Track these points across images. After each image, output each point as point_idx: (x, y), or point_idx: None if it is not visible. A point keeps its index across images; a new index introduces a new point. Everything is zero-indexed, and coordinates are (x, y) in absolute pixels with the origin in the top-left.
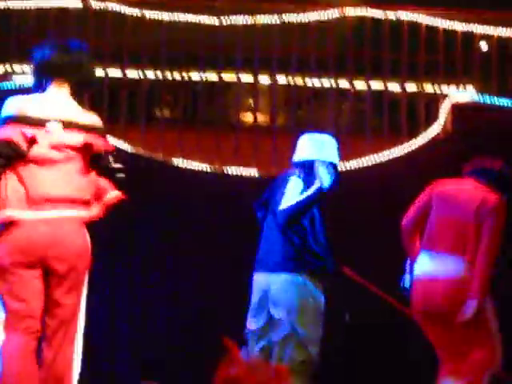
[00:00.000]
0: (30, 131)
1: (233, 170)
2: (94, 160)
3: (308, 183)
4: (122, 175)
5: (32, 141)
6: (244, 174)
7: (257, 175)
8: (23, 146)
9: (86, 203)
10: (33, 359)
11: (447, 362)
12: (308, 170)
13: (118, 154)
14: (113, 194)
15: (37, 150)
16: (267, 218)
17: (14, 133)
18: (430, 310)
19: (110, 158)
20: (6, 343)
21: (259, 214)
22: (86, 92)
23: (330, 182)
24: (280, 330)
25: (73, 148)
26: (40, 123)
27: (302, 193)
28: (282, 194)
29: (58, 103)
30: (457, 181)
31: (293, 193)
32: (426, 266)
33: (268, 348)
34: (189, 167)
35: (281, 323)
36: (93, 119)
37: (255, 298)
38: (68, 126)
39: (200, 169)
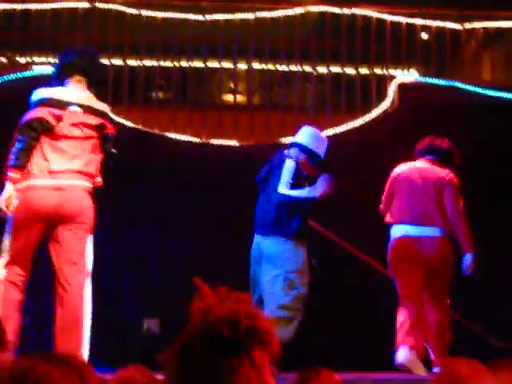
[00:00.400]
0: (57, 111)
1: (217, 142)
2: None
3: (297, 164)
4: (111, 162)
5: (59, 119)
6: (226, 145)
7: (237, 145)
8: (52, 122)
9: (92, 177)
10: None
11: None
12: (301, 151)
13: (118, 139)
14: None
15: (62, 127)
16: (265, 190)
17: (43, 112)
18: (417, 259)
19: (112, 143)
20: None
21: (259, 186)
22: (99, 85)
23: (322, 192)
24: (269, 272)
25: (90, 127)
26: (64, 106)
27: (294, 172)
28: (279, 174)
29: (78, 93)
30: (411, 164)
31: (288, 176)
32: (405, 230)
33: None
34: (180, 140)
35: (270, 269)
36: (104, 107)
37: (253, 253)
38: (86, 110)
39: (190, 141)
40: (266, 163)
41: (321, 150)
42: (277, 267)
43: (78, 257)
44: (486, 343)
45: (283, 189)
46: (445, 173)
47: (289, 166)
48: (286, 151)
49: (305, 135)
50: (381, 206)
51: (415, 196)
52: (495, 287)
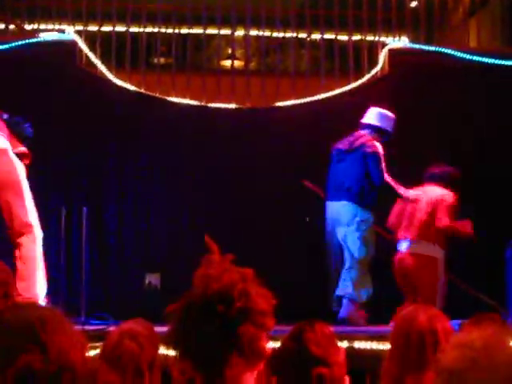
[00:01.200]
0: None
1: (215, 105)
2: None
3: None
4: None
5: None
6: (224, 107)
7: (234, 107)
8: None
9: None
10: None
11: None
12: (375, 132)
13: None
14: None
15: None
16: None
17: None
18: None
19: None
20: None
21: (337, 156)
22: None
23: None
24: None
25: None
26: None
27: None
28: (373, 159)
29: None
30: (421, 188)
31: (382, 162)
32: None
33: None
34: (181, 103)
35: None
36: None
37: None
38: None
39: (189, 104)
40: (344, 139)
41: (390, 126)
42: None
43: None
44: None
45: (387, 177)
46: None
47: (380, 151)
48: (363, 132)
49: (374, 116)
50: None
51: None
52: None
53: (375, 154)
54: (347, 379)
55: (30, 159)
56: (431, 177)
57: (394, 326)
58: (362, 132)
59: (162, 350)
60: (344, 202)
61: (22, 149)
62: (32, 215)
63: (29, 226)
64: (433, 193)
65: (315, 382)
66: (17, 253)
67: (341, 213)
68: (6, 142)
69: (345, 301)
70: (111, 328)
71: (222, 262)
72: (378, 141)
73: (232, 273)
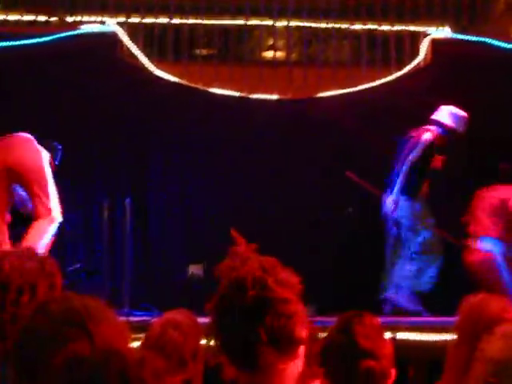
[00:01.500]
0: None
1: (257, 96)
2: None
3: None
4: None
5: None
6: (265, 98)
7: (276, 98)
8: None
9: None
10: None
11: None
12: (444, 130)
13: None
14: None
15: None
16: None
17: None
18: None
19: None
20: None
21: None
22: None
23: None
24: None
25: None
26: None
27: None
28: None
29: None
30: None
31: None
32: None
33: None
34: (223, 94)
35: None
36: None
37: None
38: None
39: (231, 95)
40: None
41: (461, 126)
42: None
43: None
44: None
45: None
46: None
47: (424, 139)
48: (431, 128)
49: (446, 114)
50: None
51: None
52: None
53: (416, 141)
54: (393, 372)
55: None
56: None
57: (461, 314)
58: (430, 127)
59: (205, 341)
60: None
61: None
62: (53, 201)
63: (48, 210)
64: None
65: (364, 375)
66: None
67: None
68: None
69: (400, 290)
70: (154, 319)
71: (245, 253)
72: (443, 139)
73: (251, 262)
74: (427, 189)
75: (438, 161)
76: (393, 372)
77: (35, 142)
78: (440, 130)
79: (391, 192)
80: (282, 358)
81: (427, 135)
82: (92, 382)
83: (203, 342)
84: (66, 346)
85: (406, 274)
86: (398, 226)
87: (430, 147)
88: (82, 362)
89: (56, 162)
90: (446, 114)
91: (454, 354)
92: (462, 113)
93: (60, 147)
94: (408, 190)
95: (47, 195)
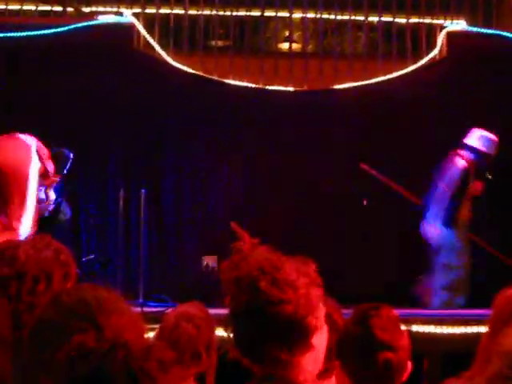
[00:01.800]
0: None
1: (273, 87)
2: None
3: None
4: None
5: None
6: (282, 90)
7: (292, 90)
8: None
9: None
10: None
11: None
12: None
13: None
14: None
15: None
16: None
17: None
18: None
19: None
20: None
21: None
22: None
23: None
24: None
25: None
26: None
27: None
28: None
29: None
30: None
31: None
32: None
33: None
34: (239, 86)
35: None
36: None
37: None
38: None
39: (247, 86)
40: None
41: (493, 150)
42: None
43: None
44: None
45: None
46: None
47: (459, 167)
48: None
49: (478, 139)
50: None
51: None
52: None
53: (450, 169)
54: (410, 364)
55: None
56: None
57: (495, 307)
58: (463, 153)
59: (219, 333)
60: None
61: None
62: (27, 213)
63: (18, 222)
64: None
65: (382, 367)
66: None
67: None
68: (34, 142)
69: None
70: (168, 310)
71: (247, 249)
72: (476, 163)
73: (251, 261)
74: (468, 214)
75: (476, 186)
76: (409, 364)
77: (31, 148)
78: (473, 155)
79: (428, 219)
80: (290, 352)
81: (461, 162)
82: (95, 374)
83: (217, 333)
84: (73, 337)
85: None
86: (437, 254)
87: (465, 174)
88: (86, 354)
89: (64, 171)
90: (478, 139)
91: (485, 347)
92: (493, 136)
93: (71, 155)
94: (446, 219)
95: (22, 206)
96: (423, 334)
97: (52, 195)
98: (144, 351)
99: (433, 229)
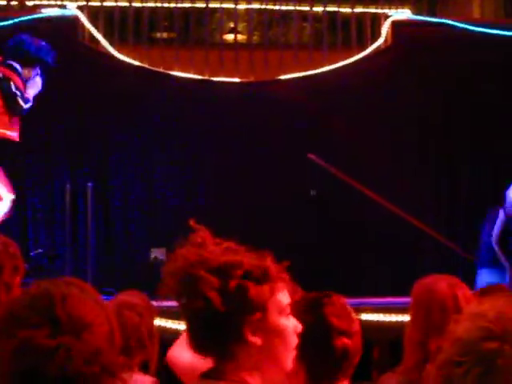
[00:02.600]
0: None
1: (218, 79)
2: None
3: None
4: None
5: None
6: (227, 81)
7: (237, 81)
8: None
9: None
10: None
11: None
12: None
13: None
14: None
15: None
16: None
17: None
18: None
19: None
20: None
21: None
22: None
23: None
24: None
25: None
26: None
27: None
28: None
29: None
30: None
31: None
32: None
33: None
34: (184, 77)
35: None
36: None
37: None
38: None
39: (193, 78)
40: None
41: None
42: None
43: None
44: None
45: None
46: None
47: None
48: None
49: None
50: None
51: None
52: None
53: (498, 215)
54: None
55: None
56: None
57: (414, 293)
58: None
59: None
60: None
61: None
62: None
63: None
64: None
65: (339, 354)
66: None
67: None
68: None
69: None
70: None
71: (201, 240)
72: None
73: (186, 252)
74: None
75: None
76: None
77: None
78: None
79: (481, 264)
80: (223, 345)
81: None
82: (33, 373)
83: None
84: (21, 332)
85: None
86: None
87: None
88: (28, 351)
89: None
90: None
91: (409, 335)
92: None
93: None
94: (496, 263)
95: None
96: (372, 322)
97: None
98: (91, 355)
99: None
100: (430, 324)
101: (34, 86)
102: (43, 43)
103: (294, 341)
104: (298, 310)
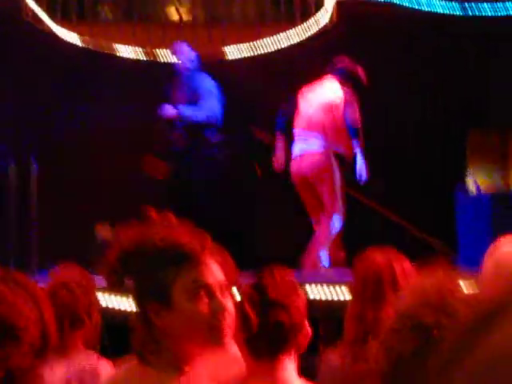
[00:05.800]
0: None
1: (162, 57)
2: None
3: None
4: None
5: None
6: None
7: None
8: None
9: None
10: None
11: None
12: None
13: None
14: None
15: None
16: None
17: None
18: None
19: None
20: None
21: None
22: None
23: None
24: None
25: None
26: None
27: None
28: None
29: None
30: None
31: None
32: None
33: None
34: (127, 55)
35: None
36: None
37: None
38: None
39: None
40: None
41: None
42: None
43: None
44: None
45: None
46: None
47: None
48: None
49: None
50: None
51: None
52: None
53: None
54: (308, 328)
55: None
56: None
57: (353, 267)
58: None
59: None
60: None
61: None
62: None
63: None
64: None
65: (274, 328)
66: None
67: None
68: None
69: None
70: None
71: (156, 218)
72: None
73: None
74: None
75: None
76: (308, 329)
77: None
78: None
79: None
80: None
81: None
82: None
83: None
84: None
85: None
86: None
87: None
88: None
89: None
90: None
91: (349, 308)
92: None
93: None
94: None
95: None
96: (316, 300)
97: None
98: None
99: None
100: (366, 296)
101: None
102: None
103: (207, 322)
104: (244, 286)
